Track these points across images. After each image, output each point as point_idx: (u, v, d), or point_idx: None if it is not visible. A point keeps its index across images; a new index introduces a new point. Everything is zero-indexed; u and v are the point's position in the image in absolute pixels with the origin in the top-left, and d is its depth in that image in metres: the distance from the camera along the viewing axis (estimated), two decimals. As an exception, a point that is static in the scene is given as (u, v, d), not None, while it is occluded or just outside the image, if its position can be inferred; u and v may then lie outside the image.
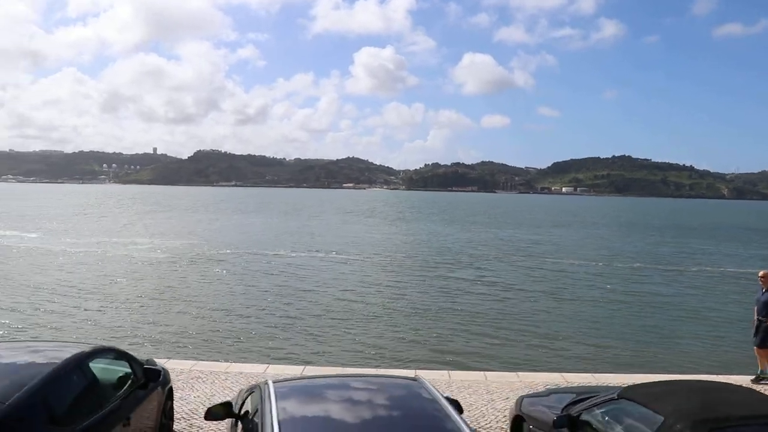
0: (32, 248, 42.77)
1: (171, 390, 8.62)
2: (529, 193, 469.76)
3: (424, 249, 49.52)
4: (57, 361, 5.89)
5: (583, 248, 53.48)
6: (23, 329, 20.09)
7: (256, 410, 5.23)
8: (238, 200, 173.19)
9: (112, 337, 18.94)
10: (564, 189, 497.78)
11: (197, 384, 11.29)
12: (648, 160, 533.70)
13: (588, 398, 6.97)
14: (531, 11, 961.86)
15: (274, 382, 5.56)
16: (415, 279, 33.12)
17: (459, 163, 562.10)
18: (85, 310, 23.40)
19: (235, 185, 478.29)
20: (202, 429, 9.10)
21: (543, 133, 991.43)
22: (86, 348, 6.60)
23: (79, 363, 6.12)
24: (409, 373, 12.19)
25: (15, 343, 7.91)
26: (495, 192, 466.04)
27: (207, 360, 14.94)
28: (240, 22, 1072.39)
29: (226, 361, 14.76)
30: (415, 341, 19.63)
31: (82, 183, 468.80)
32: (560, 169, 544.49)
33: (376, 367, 15.59)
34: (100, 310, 23.37)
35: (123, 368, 7.03)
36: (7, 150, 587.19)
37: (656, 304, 27.16)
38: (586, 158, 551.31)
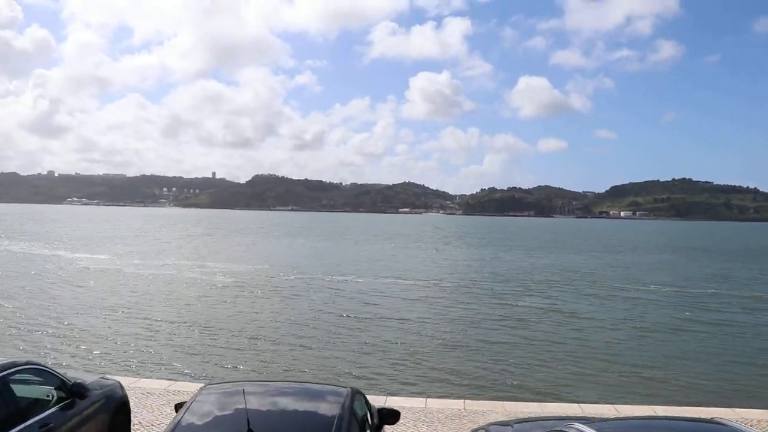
0: (105, 270, 43.87)
1: None
2: (587, 217, 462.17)
3: (490, 275, 49.03)
4: (338, 405, 5.83)
5: (653, 274, 52.15)
6: (132, 354, 20.44)
7: None
8: (296, 225, 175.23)
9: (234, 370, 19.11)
10: (623, 213, 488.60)
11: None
12: (710, 182, 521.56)
13: None
14: (587, 34, 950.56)
15: (585, 424, 5.20)
16: (485, 306, 32.72)
17: (516, 187, 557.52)
18: (174, 335, 23.74)
19: (292, 209, 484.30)
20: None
21: (601, 156, 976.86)
22: (349, 389, 6.51)
23: (352, 405, 6.06)
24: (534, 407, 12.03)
25: (273, 384, 7.64)
26: (552, 216, 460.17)
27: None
28: (298, 48, 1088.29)
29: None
30: (506, 371, 19.19)
31: (144, 206, 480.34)
32: (619, 193, 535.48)
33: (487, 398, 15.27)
34: (195, 337, 23.60)
35: (363, 410, 6.84)
36: (73, 173, 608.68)
37: (744, 334, 26.18)
38: (645, 182, 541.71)
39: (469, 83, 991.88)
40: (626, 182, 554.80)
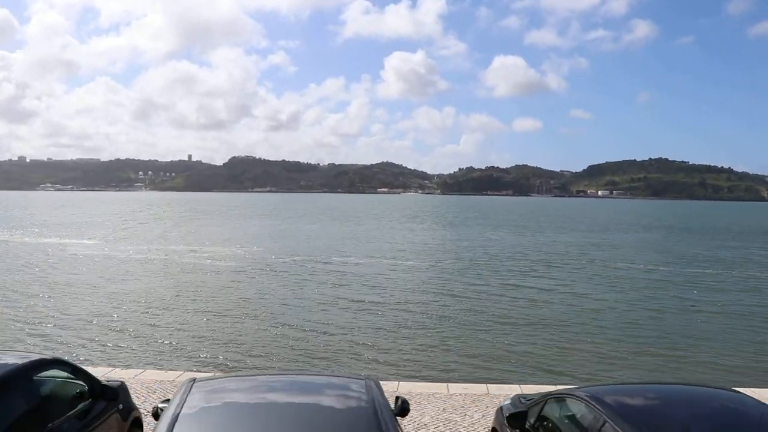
0: (99, 256, 43.07)
1: None
2: (564, 196, 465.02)
3: (482, 255, 48.73)
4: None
5: (643, 253, 52.51)
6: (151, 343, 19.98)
7: None
8: (277, 206, 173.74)
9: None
10: (600, 192, 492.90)
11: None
12: (685, 162, 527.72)
13: None
14: (562, 13, 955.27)
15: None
16: (486, 286, 32.45)
17: (493, 166, 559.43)
18: (178, 322, 23.27)
19: (270, 191, 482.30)
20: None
21: (577, 135, 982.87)
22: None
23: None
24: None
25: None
26: (530, 195, 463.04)
27: (417, 381, 14.49)
28: (271, 28, 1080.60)
29: (443, 380, 14.28)
30: (529, 353, 19.03)
31: (119, 190, 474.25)
32: (596, 172, 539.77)
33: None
34: (204, 322, 23.15)
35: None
36: (45, 159, 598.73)
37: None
38: (621, 161, 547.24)
39: (444, 63, 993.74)
40: (603, 161, 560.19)
